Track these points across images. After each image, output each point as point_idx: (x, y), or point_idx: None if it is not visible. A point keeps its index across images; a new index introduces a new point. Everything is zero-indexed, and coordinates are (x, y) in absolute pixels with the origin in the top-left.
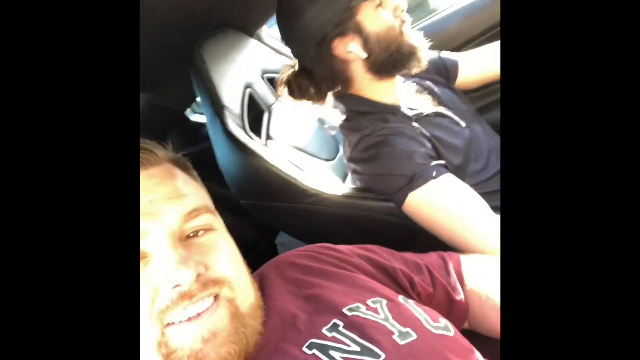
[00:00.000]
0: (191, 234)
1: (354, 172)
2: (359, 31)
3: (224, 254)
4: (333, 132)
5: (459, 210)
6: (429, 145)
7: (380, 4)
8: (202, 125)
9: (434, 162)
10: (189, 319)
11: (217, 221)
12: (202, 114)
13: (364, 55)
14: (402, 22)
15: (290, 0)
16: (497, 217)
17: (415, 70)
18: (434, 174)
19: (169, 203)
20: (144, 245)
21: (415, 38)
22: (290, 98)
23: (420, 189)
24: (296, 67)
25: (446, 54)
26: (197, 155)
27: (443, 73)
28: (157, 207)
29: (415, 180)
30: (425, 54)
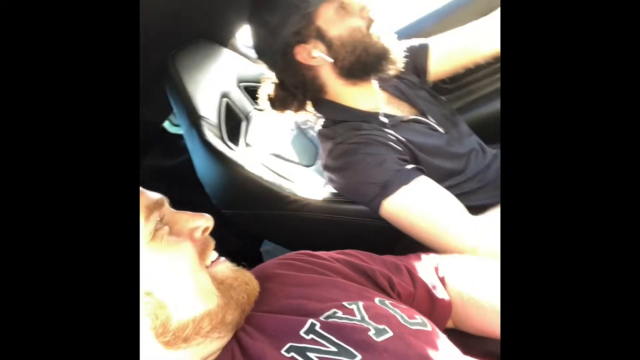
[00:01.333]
0: None
1: (330, 180)
2: (320, 37)
3: None
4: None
5: (434, 212)
6: (403, 150)
7: (341, 6)
8: (180, 137)
9: (407, 167)
10: (217, 259)
11: None
12: (179, 126)
13: (330, 60)
14: (370, 21)
15: (255, 13)
16: (472, 217)
17: (391, 73)
18: (406, 179)
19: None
20: (162, 214)
21: (387, 38)
22: (273, 111)
23: (394, 196)
24: (275, 80)
25: (415, 40)
26: (176, 167)
27: (415, 64)
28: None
29: (387, 187)
30: (400, 55)
